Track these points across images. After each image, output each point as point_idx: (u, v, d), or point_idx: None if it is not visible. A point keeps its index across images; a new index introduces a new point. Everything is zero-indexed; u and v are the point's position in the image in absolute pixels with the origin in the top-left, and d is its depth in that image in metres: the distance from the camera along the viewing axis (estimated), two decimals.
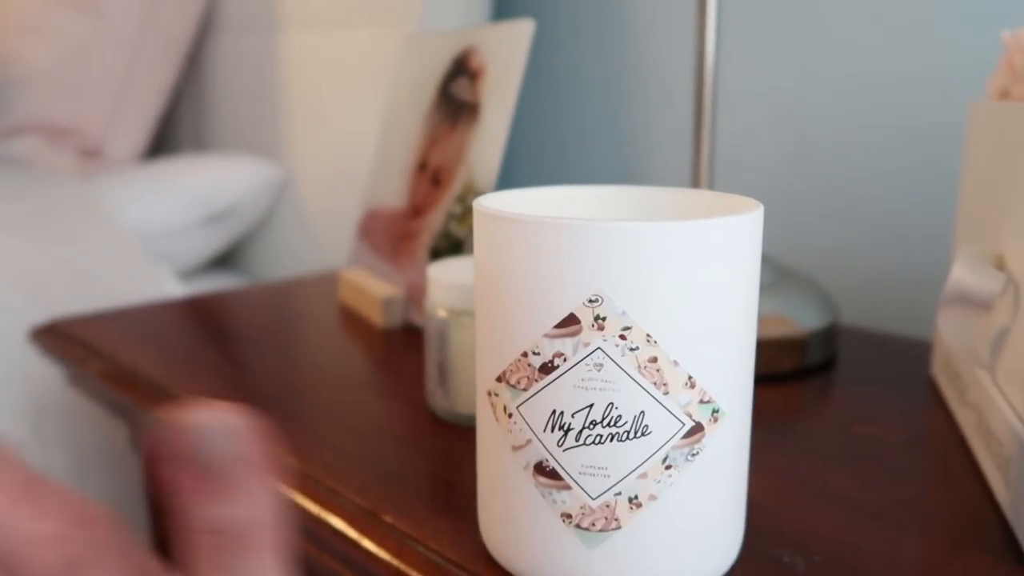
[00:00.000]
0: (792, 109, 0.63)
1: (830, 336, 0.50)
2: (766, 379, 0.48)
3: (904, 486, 0.35)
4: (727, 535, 0.28)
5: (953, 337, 0.34)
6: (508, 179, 0.80)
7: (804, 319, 0.48)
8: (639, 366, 0.25)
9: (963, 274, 0.33)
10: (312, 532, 0.36)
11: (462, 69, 0.58)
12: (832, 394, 0.46)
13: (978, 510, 0.33)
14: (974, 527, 0.32)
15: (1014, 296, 0.33)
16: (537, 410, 0.26)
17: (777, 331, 0.48)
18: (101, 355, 0.54)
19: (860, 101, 0.60)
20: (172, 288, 0.88)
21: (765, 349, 0.47)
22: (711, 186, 0.52)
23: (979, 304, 0.33)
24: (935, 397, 0.44)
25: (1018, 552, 0.30)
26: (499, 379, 0.27)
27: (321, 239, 0.98)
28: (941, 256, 0.56)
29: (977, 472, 0.36)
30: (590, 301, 0.25)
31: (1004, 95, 0.38)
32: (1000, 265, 0.35)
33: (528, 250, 0.25)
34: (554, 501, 0.26)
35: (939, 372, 0.45)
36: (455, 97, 0.58)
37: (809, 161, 0.63)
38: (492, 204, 0.28)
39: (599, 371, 0.25)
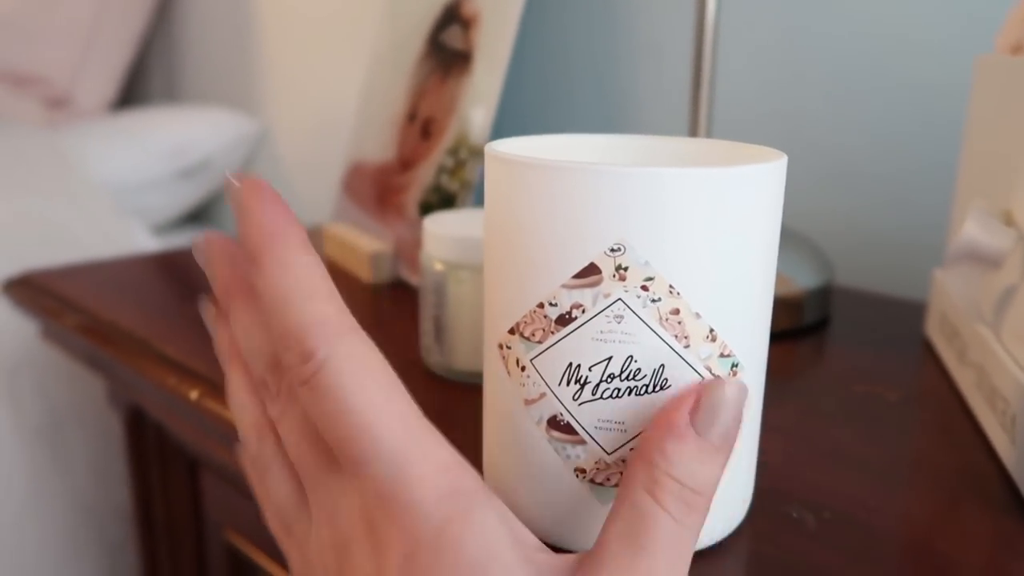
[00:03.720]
0: (790, 66, 0.63)
1: (825, 295, 0.50)
2: None
3: (907, 444, 0.35)
4: (739, 491, 0.28)
5: (959, 293, 0.34)
6: (496, 133, 0.78)
7: (800, 278, 0.48)
8: (661, 318, 0.24)
9: (975, 229, 0.33)
10: None
11: (454, 17, 0.56)
12: (828, 353, 0.46)
13: (980, 467, 0.33)
14: (977, 483, 0.32)
15: (1023, 253, 0.33)
16: (552, 363, 0.25)
17: (774, 289, 0.47)
18: (77, 308, 0.52)
19: (860, 59, 0.59)
20: (145, 243, 0.86)
21: None
22: None
23: (989, 260, 0.33)
24: (930, 356, 0.45)
25: (1022, 507, 0.30)
26: (512, 331, 0.26)
27: (300, 193, 0.96)
28: (935, 218, 0.56)
29: (977, 430, 0.36)
30: (612, 250, 0.24)
31: (1016, 49, 0.37)
32: (1008, 222, 0.35)
33: (547, 196, 0.24)
34: (568, 456, 0.26)
35: (934, 331, 0.45)
36: (446, 46, 0.56)
37: (806, 120, 0.62)
38: (506, 149, 0.27)
39: (619, 323, 0.24)
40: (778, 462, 0.33)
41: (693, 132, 0.50)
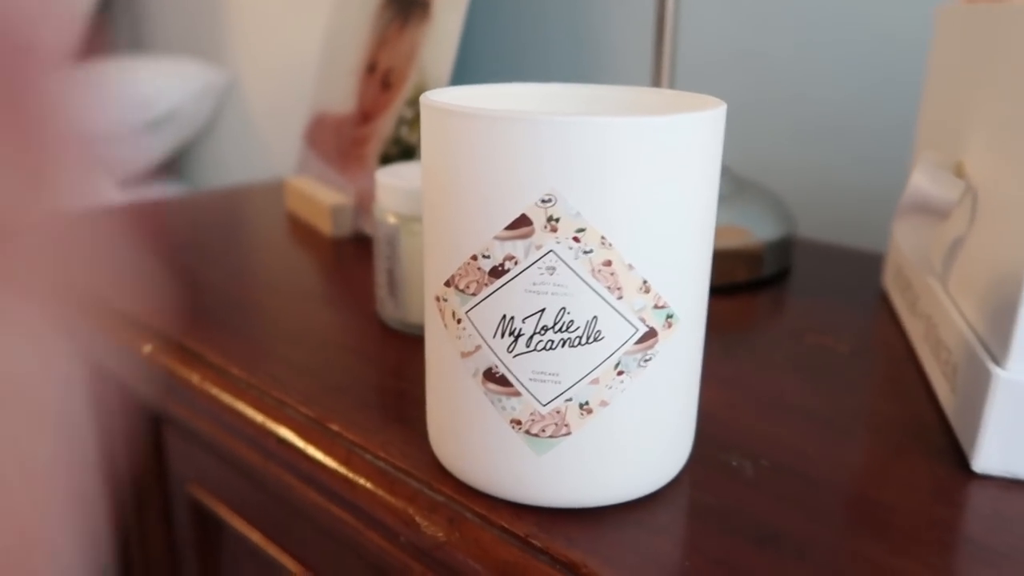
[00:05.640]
0: (760, 16, 0.62)
1: (785, 248, 0.49)
2: (721, 290, 0.47)
3: (853, 395, 0.35)
4: (677, 441, 0.28)
5: (909, 245, 0.34)
6: (462, 82, 0.77)
7: (760, 230, 0.48)
8: (593, 269, 0.24)
9: (922, 181, 0.33)
10: (259, 443, 0.35)
11: None
12: (785, 305, 0.46)
13: (923, 417, 0.34)
14: (919, 433, 0.32)
15: (972, 204, 0.33)
16: (487, 315, 0.25)
17: (733, 242, 0.47)
18: None
19: (830, 12, 0.58)
20: (110, 197, 0.84)
21: (721, 260, 0.47)
22: None
23: (937, 212, 0.33)
24: (886, 308, 0.45)
25: (959, 456, 0.31)
26: (448, 283, 0.26)
27: (269, 146, 0.94)
28: (898, 170, 0.56)
29: (924, 380, 0.37)
30: (543, 201, 0.23)
31: None
32: (960, 173, 0.35)
33: (478, 146, 0.24)
34: (503, 408, 0.26)
35: (890, 283, 0.45)
36: None
37: (773, 71, 0.62)
38: (441, 99, 0.26)
39: (551, 275, 0.24)
40: (721, 412, 0.34)
41: (656, 82, 0.50)
